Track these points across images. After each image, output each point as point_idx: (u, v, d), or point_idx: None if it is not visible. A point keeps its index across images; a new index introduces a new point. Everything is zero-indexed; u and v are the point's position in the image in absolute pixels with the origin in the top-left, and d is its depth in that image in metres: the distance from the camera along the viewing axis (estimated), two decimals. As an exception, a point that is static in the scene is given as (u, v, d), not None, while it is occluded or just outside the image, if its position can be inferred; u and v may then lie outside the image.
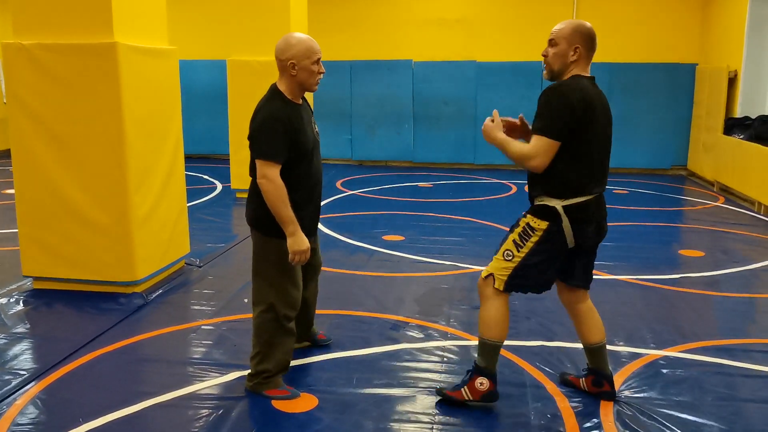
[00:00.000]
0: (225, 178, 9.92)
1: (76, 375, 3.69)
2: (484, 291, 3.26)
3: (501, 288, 3.21)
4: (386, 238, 6.69)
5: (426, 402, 3.39)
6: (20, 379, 3.61)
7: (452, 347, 4.07)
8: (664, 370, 3.79)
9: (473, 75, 11.47)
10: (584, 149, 3.06)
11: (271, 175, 3.20)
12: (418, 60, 11.71)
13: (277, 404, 3.34)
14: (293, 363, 3.80)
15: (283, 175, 3.25)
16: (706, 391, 3.54)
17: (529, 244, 3.14)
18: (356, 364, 3.82)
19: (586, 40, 3.14)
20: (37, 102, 4.72)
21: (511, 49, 11.68)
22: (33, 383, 3.57)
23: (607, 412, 3.31)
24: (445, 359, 3.90)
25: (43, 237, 4.89)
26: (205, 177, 10.38)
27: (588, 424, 3.19)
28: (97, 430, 3.10)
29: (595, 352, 3.40)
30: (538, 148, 3.02)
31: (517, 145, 3.11)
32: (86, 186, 4.76)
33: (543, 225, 3.11)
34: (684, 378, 3.70)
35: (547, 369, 3.77)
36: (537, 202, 3.16)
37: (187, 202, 5.82)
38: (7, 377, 3.62)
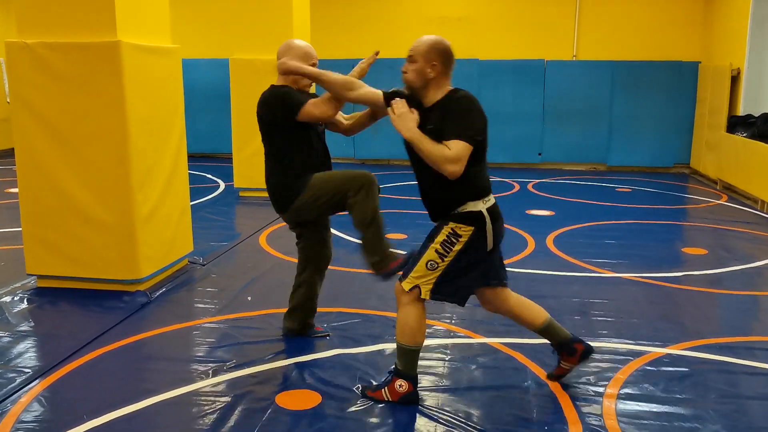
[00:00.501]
0: (228, 176, 9.93)
1: (80, 373, 3.70)
2: (401, 298, 3.29)
3: (427, 297, 3.23)
4: (389, 236, 6.67)
5: (430, 399, 3.40)
6: (24, 376, 3.62)
7: (455, 345, 4.08)
8: (667, 368, 3.79)
9: (475, 73, 11.46)
10: (484, 152, 3.19)
11: (308, 110, 3.55)
12: (420, 58, 11.71)
13: (280, 401, 3.35)
14: (298, 359, 3.83)
15: (283, 139, 3.64)
16: (709, 389, 3.54)
17: (454, 251, 3.17)
18: (360, 361, 3.83)
19: (443, 56, 3.22)
20: (40, 101, 4.73)
21: (513, 48, 11.68)
22: (37, 381, 3.58)
23: (609, 409, 3.31)
24: (448, 357, 3.91)
25: (46, 235, 4.90)
26: (208, 176, 10.39)
27: (591, 422, 3.19)
28: (101, 428, 3.11)
29: (548, 330, 3.46)
30: (460, 153, 3.03)
31: (436, 146, 3.07)
32: (89, 184, 4.77)
33: (468, 230, 3.15)
34: (687, 375, 3.70)
35: (551, 366, 3.76)
36: (459, 210, 3.17)
37: (190, 201, 5.82)
38: (11, 375, 3.64)
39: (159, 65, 5.06)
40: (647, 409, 3.32)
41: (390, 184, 9.93)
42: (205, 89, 12.10)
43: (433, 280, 3.20)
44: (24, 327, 4.34)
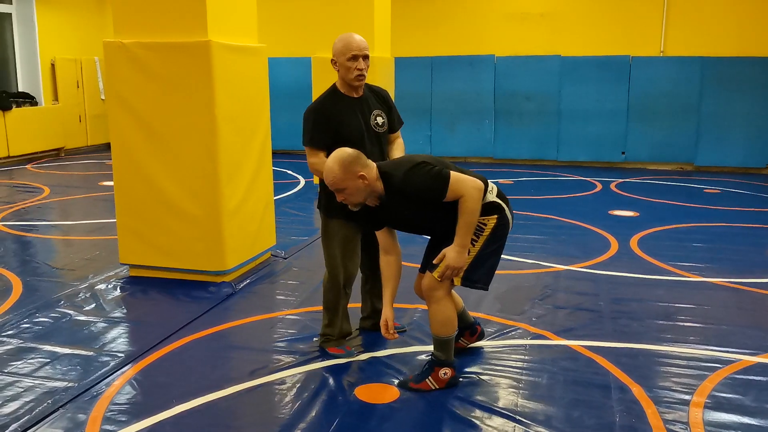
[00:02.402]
0: (307, 173, 10.12)
1: (169, 359, 3.86)
2: (435, 294, 3.35)
3: (459, 283, 3.35)
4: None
5: (508, 399, 3.38)
6: (117, 360, 3.81)
7: (534, 346, 4.03)
8: (758, 378, 3.63)
9: (557, 70, 11.26)
10: (446, 165, 3.27)
11: (313, 161, 3.58)
12: (500, 55, 11.60)
13: (359, 394, 3.41)
14: (376, 353, 3.87)
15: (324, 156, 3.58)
16: (804, 401, 3.38)
17: (483, 237, 3.32)
18: (437, 358, 3.84)
19: (357, 164, 3.22)
20: (135, 98, 4.94)
21: (597, 43, 11.41)
22: (129, 365, 3.76)
23: (696, 418, 3.21)
24: (527, 358, 3.87)
25: (139, 227, 5.12)
26: (289, 172, 10.61)
27: (676, 430, 3.10)
28: (188, 413, 3.24)
29: (461, 315, 3.77)
30: (462, 183, 3.14)
31: (466, 212, 3.14)
32: (180, 178, 4.96)
33: (493, 220, 3.33)
34: (780, 386, 3.54)
35: (635, 372, 3.68)
36: None
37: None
38: (105, 359, 3.83)
39: (246, 64, 5.20)
40: (736, 419, 3.20)
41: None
42: (288, 87, 12.35)
43: (466, 267, 3.30)
44: (117, 313, 4.56)
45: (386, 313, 3.39)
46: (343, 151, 3.23)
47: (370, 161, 3.28)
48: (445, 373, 3.45)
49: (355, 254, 3.81)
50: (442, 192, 3.14)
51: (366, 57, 3.58)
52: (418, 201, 3.22)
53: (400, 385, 3.51)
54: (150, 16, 4.86)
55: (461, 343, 3.89)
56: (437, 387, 3.46)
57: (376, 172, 3.26)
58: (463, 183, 3.14)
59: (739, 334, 4.21)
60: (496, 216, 3.33)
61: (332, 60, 3.64)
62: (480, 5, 11.91)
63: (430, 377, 3.46)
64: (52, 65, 12.43)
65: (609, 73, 11.14)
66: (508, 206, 3.41)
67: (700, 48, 10.94)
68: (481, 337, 3.97)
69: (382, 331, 3.39)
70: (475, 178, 3.21)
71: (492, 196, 3.35)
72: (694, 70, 10.82)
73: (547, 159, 11.72)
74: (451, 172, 3.17)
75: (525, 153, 11.71)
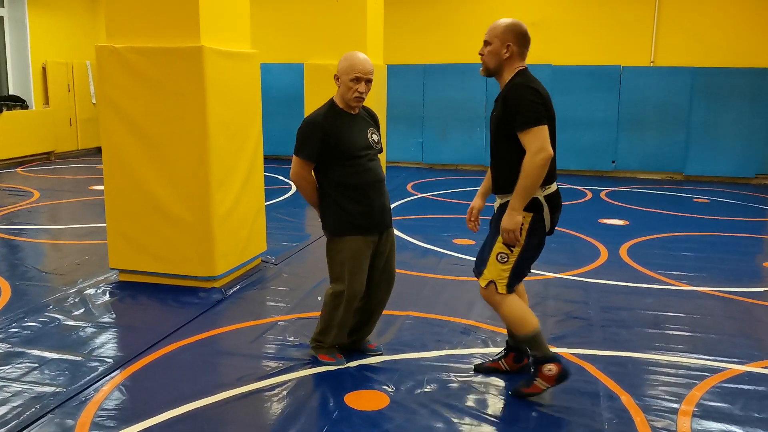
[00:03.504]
0: (299, 178, 10.09)
1: (158, 365, 3.84)
2: (492, 298, 3.39)
3: (505, 291, 3.34)
4: (457, 241, 6.68)
5: (497, 406, 3.38)
6: (106, 366, 3.79)
7: (524, 353, 4.04)
8: (746, 386, 3.65)
9: (548, 79, 11.30)
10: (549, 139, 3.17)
11: (297, 170, 3.65)
12: (492, 63, 11.63)
13: (348, 401, 3.40)
14: (366, 361, 3.87)
15: (324, 174, 3.66)
16: (791, 410, 3.40)
17: (522, 240, 3.26)
18: (427, 365, 3.84)
19: (518, 37, 3.26)
20: (126, 102, 4.93)
21: (588, 53, 11.48)
22: (118, 371, 3.74)
23: (684, 426, 3.22)
24: (516, 365, 3.87)
25: (129, 231, 5.10)
26: (280, 177, 10.60)
27: (664, 438, 3.12)
28: (177, 419, 3.22)
29: (536, 339, 3.44)
30: (539, 139, 3.08)
31: (524, 173, 3.10)
32: (171, 183, 4.94)
33: (528, 217, 3.23)
34: (767, 395, 3.56)
35: (621, 380, 3.69)
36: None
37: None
38: (94, 364, 3.81)
39: (239, 70, 5.20)
40: (724, 428, 3.21)
41: (458, 189, 9.90)
42: (280, 93, 12.35)
43: (508, 273, 3.31)
44: (106, 318, 4.54)
45: (475, 203, 3.63)
46: (520, 22, 3.28)
47: (524, 60, 3.30)
48: (549, 369, 3.36)
49: (361, 270, 3.67)
50: (520, 126, 3.09)
51: (369, 81, 3.58)
52: (505, 111, 3.19)
53: (514, 394, 3.45)
54: (143, 21, 4.86)
55: (499, 365, 3.74)
56: (548, 386, 3.39)
57: (517, 67, 3.28)
58: (539, 143, 3.06)
59: (727, 343, 4.23)
60: (531, 214, 3.22)
61: (335, 76, 3.63)
62: (472, 13, 11.96)
63: (537, 378, 3.39)
64: (44, 68, 12.39)
65: (600, 83, 11.21)
66: (553, 213, 3.29)
67: (690, 58, 11.03)
68: (525, 368, 3.70)
69: (467, 218, 3.69)
70: (550, 153, 3.09)
71: (541, 193, 3.22)
72: (684, 80, 10.90)
73: (538, 167, 11.74)
74: (542, 127, 3.08)
75: (516, 161, 11.74)
